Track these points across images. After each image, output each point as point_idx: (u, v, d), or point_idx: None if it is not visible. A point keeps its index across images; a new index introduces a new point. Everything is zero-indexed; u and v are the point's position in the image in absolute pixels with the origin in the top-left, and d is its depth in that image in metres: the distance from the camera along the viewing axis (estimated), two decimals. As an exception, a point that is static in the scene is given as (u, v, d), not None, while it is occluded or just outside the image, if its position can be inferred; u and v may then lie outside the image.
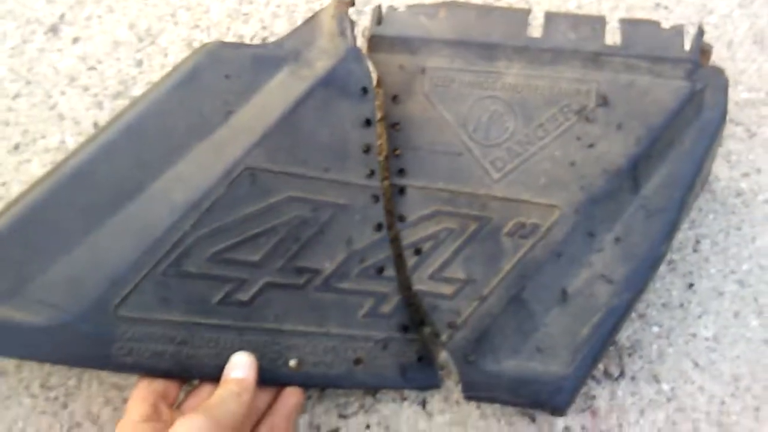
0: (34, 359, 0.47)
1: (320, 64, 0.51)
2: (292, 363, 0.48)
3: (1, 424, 0.51)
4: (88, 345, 0.46)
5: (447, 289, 0.50)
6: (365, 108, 0.51)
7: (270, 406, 0.48)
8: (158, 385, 0.46)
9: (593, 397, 0.52)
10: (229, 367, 0.46)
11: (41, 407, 0.51)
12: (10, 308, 0.45)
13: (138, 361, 0.46)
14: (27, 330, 0.45)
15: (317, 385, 0.50)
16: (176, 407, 0.47)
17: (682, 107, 0.52)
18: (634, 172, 0.51)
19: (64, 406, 0.51)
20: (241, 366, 0.46)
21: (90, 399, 0.51)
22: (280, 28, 0.59)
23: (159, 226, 0.47)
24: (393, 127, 0.53)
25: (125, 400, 0.51)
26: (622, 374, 0.53)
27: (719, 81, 0.52)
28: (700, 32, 0.53)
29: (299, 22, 0.60)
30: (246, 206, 0.48)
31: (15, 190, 0.54)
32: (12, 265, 0.45)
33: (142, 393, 0.45)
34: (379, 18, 0.55)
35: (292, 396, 0.49)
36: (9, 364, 0.51)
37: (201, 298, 0.47)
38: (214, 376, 0.46)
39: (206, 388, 0.47)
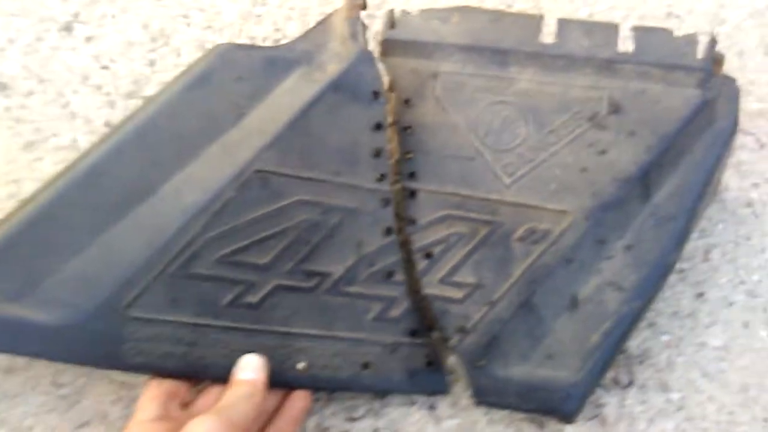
0: (45, 358, 0.47)
1: (332, 67, 0.51)
2: (301, 366, 0.48)
3: (11, 422, 0.50)
4: (98, 344, 0.46)
5: (457, 294, 0.50)
6: (376, 112, 0.51)
7: (277, 409, 0.48)
8: (168, 385, 0.46)
9: (602, 405, 0.52)
10: (238, 368, 0.46)
11: (50, 405, 0.51)
12: (21, 307, 0.45)
13: (148, 362, 0.46)
14: (38, 329, 0.45)
15: (325, 388, 0.50)
16: (186, 407, 0.47)
17: (694, 116, 0.52)
18: (645, 180, 0.51)
19: (74, 404, 0.51)
20: (251, 368, 0.46)
21: (99, 397, 0.51)
22: (292, 30, 0.60)
23: (170, 228, 0.47)
24: (405, 130, 0.53)
25: (135, 399, 0.51)
26: (631, 383, 0.52)
27: (731, 90, 0.53)
28: (713, 41, 0.53)
29: (312, 24, 0.59)
30: (256, 209, 0.48)
31: (27, 187, 0.54)
32: (24, 264, 0.45)
33: (152, 392, 0.45)
34: (392, 22, 0.55)
35: (299, 400, 0.49)
36: (18, 361, 0.51)
37: (211, 299, 0.47)
38: (222, 377, 0.46)
39: (215, 389, 0.47)
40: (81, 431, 0.51)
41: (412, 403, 0.52)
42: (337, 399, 0.52)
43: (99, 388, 0.51)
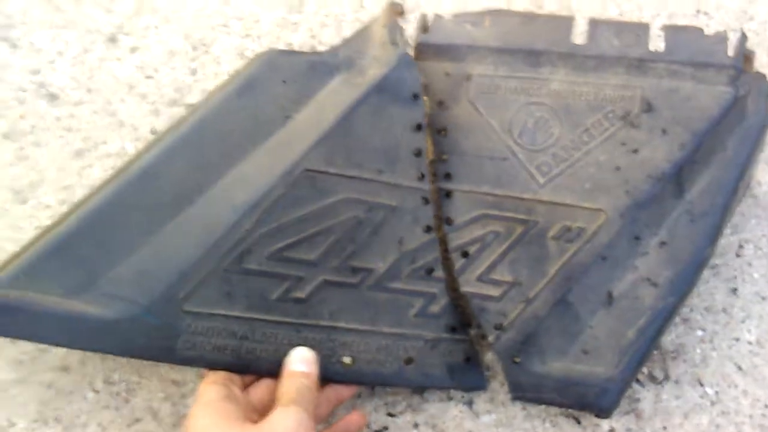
0: (104, 351, 0.49)
1: (373, 71, 0.52)
2: (346, 360, 0.50)
3: (66, 418, 0.53)
4: (154, 338, 0.47)
5: (494, 291, 0.51)
6: (416, 113, 0.52)
7: None
8: (226, 372, 0.48)
9: (638, 400, 0.53)
10: (292, 360, 0.47)
11: (104, 402, 0.53)
12: (82, 302, 0.47)
13: (201, 355, 0.48)
14: (97, 322, 0.47)
15: (369, 382, 0.52)
16: (245, 391, 0.48)
17: (726, 113, 0.52)
18: (678, 177, 0.51)
19: (126, 401, 0.53)
20: (305, 360, 0.47)
21: (150, 394, 0.53)
22: (328, 37, 0.61)
23: (221, 225, 0.49)
24: (439, 132, 0.54)
25: (184, 396, 0.53)
26: (666, 377, 0.53)
27: (762, 87, 0.53)
28: (743, 38, 0.54)
29: (346, 31, 0.61)
30: (304, 207, 0.50)
31: (78, 194, 0.57)
32: (83, 261, 0.47)
33: (213, 377, 0.47)
34: (425, 26, 0.57)
35: (355, 422, 0.50)
36: (73, 359, 0.54)
37: (261, 294, 0.49)
38: (271, 371, 0.48)
39: (266, 381, 0.49)
40: (133, 428, 0.53)
41: (450, 399, 0.53)
42: (377, 394, 0.53)
43: (149, 386, 0.54)
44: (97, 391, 0.53)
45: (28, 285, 0.46)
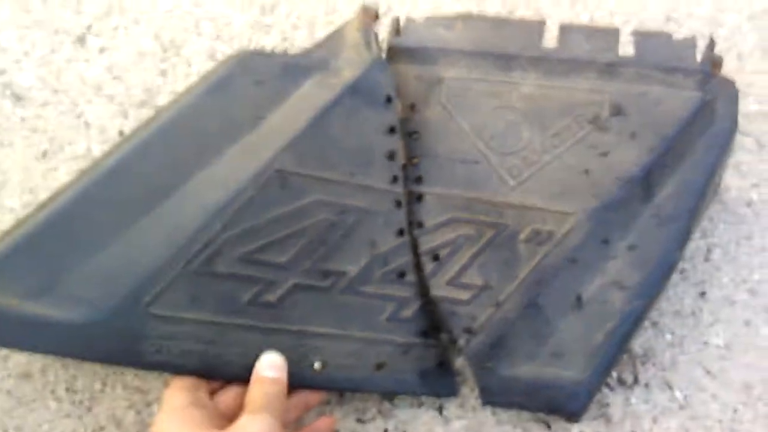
0: (67, 356, 0.48)
1: (347, 73, 0.52)
2: (317, 365, 0.49)
3: (27, 427, 0.52)
4: (119, 342, 0.46)
5: (464, 295, 0.51)
6: (389, 116, 0.52)
7: None
8: (192, 377, 0.47)
9: (607, 405, 0.53)
10: (261, 366, 0.47)
11: (66, 410, 0.52)
12: (43, 304, 0.46)
13: (168, 360, 0.47)
14: (60, 326, 0.46)
15: (340, 388, 0.51)
16: (212, 397, 0.47)
17: (694, 117, 0.53)
18: (647, 181, 0.52)
19: (89, 409, 0.52)
20: (274, 366, 0.47)
21: (114, 402, 0.52)
22: (300, 39, 0.61)
23: (191, 226, 0.48)
24: (411, 135, 0.54)
25: (148, 404, 0.52)
26: (635, 381, 0.53)
27: (730, 92, 0.54)
28: (712, 44, 0.54)
29: (319, 33, 0.61)
30: (275, 208, 0.49)
31: (42, 196, 0.56)
32: (46, 261, 0.46)
33: (179, 383, 0.46)
34: (397, 29, 0.57)
35: (325, 427, 0.50)
36: (34, 367, 0.53)
37: (230, 297, 0.48)
38: (240, 376, 0.47)
39: (234, 386, 0.48)
40: (97, 434, 0.52)
41: (421, 405, 0.53)
42: (346, 401, 0.53)
43: (113, 393, 0.52)
44: (59, 400, 0.52)
45: None
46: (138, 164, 0.49)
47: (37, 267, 0.46)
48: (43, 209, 0.48)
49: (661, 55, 0.54)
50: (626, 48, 0.54)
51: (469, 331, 0.50)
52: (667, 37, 0.55)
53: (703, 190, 0.52)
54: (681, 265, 0.55)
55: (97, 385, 0.52)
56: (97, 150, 0.57)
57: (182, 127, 0.50)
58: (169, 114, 0.50)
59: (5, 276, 0.46)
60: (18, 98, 0.58)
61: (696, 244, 0.57)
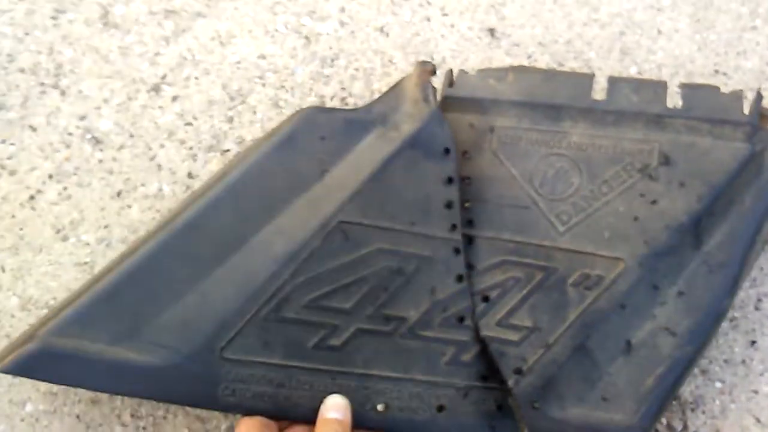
0: (149, 398, 0.51)
1: (406, 127, 0.55)
2: (380, 407, 0.50)
3: (94, 449, 0.54)
4: (196, 385, 0.49)
5: (513, 336, 0.52)
6: (447, 167, 0.54)
7: None
8: (261, 417, 0.49)
9: (657, 450, 0.53)
10: (326, 407, 0.48)
11: (131, 434, 0.55)
12: (126, 349, 0.49)
13: (241, 402, 0.49)
14: (142, 369, 0.49)
15: (402, 430, 0.52)
16: None
17: (742, 168, 0.54)
18: (696, 229, 0.53)
19: (152, 434, 0.55)
20: (338, 408, 0.48)
21: (176, 429, 0.55)
22: (357, 90, 0.64)
23: (261, 275, 0.51)
24: (463, 181, 0.56)
25: (208, 431, 0.54)
26: (685, 428, 0.53)
27: (778, 144, 0.55)
28: (759, 96, 0.55)
29: (375, 84, 0.64)
30: (339, 257, 0.52)
31: (116, 232, 0.59)
32: (129, 310, 0.50)
33: (249, 423, 0.48)
34: (450, 81, 0.59)
35: None
36: (102, 394, 0.55)
37: (298, 342, 0.51)
38: (307, 417, 0.49)
39: (300, 428, 0.50)
40: (158, 460, 0.54)
41: (470, 443, 0.54)
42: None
43: (174, 421, 0.55)
44: (124, 425, 0.55)
45: (76, 333, 0.49)
46: (211, 218, 0.52)
47: (122, 315, 0.49)
48: (125, 260, 0.51)
49: (709, 107, 0.55)
50: (674, 100, 0.56)
51: (518, 371, 0.51)
52: (715, 89, 0.56)
53: (752, 239, 0.53)
54: (731, 313, 0.56)
55: (160, 412, 0.55)
56: (168, 190, 0.61)
57: (251, 182, 0.53)
58: (239, 169, 0.53)
59: (92, 323, 0.49)
60: (97, 142, 0.63)
61: (746, 293, 0.57)
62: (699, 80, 0.64)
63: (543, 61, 0.65)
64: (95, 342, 0.49)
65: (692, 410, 0.54)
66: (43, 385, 0.55)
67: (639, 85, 0.57)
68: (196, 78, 0.65)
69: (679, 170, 0.54)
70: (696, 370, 0.54)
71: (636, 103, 0.56)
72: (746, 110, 0.55)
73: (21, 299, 0.58)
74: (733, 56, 0.66)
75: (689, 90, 0.56)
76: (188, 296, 0.50)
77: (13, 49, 0.65)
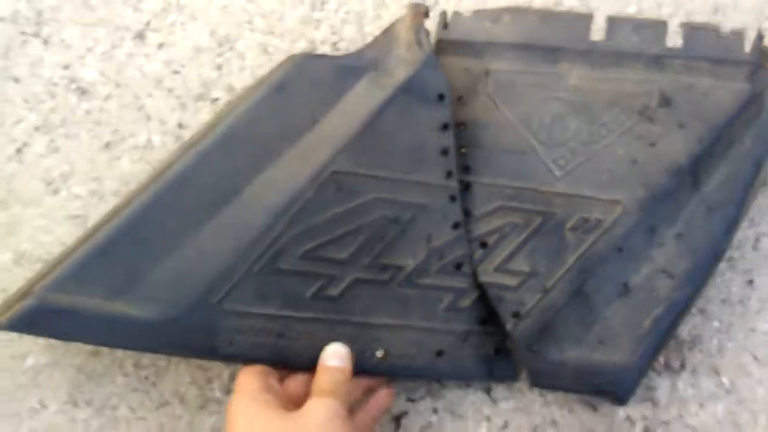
0: (146, 351, 0.51)
1: (399, 72, 0.53)
2: (379, 354, 0.51)
3: (97, 400, 0.55)
4: (194, 337, 0.49)
5: (511, 281, 0.52)
6: (442, 113, 0.53)
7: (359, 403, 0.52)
8: (263, 366, 0.49)
9: (654, 389, 0.54)
10: (326, 355, 0.49)
11: (133, 385, 0.55)
12: (123, 304, 0.48)
13: (240, 352, 0.50)
14: (139, 324, 0.48)
15: (402, 375, 0.53)
16: (281, 383, 0.50)
17: (743, 108, 0.53)
18: (694, 170, 0.52)
19: (154, 384, 0.55)
20: (339, 356, 0.49)
21: (178, 378, 0.55)
22: (349, 34, 0.63)
23: (255, 227, 0.50)
24: (458, 126, 0.55)
25: (209, 380, 0.55)
26: (682, 367, 0.54)
27: (779, 83, 0.54)
28: (760, 36, 0.54)
29: (367, 27, 0.63)
30: (334, 207, 0.51)
31: (107, 185, 0.59)
32: (124, 265, 0.49)
33: (252, 369, 0.49)
34: (444, 23, 0.58)
35: (384, 399, 0.52)
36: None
37: (295, 293, 0.51)
38: (307, 366, 0.49)
39: (301, 375, 0.50)
40: (161, 410, 0.55)
41: (469, 386, 0.55)
42: (397, 381, 0.55)
43: (177, 370, 0.55)
44: (126, 375, 0.55)
45: (72, 288, 0.48)
46: (203, 170, 0.51)
47: (116, 270, 0.49)
48: (117, 215, 0.50)
49: (710, 47, 0.54)
50: (674, 40, 0.55)
51: (516, 315, 0.51)
52: (716, 28, 0.55)
53: (751, 180, 0.52)
54: (729, 253, 0.56)
55: (162, 362, 0.55)
56: (158, 141, 0.60)
57: (242, 133, 0.52)
58: (228, 120, 0.52)
59: (88, 278, 0.49)
60: (83, 92, 0.61)
61: (744, 233, 0.57)
62: (698, 19, 0.63)
63: (540, 1, 0.63)
64: (92, 297, 0.48)
65: (690, 349, 0.54)
66: (43, 339, 0.54)
67: (638, 25, 0.56)
68: (182, 23, 0.63)
69: (678, 112, 0.53)
70: (694, 310, 0.55)
71: (635, 44, 0.55)
72: (747, 49, 0.54)
73: (15, 254, 0.57)
74: (732, -7, 0.64)
75: (690, 29, 0.55)
76: (183, 249, 0.50)
77: (-9, -3, 0.62)
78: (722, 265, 0.55)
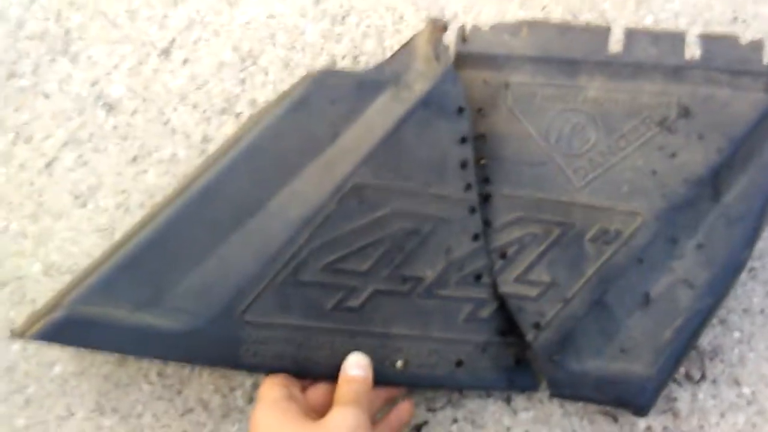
0: (173, 360, 0.53)
1: (418, 86, 0.54)
2: (399, 364, 0.52)
3: (122, 408, 0.56)
4: (218, 347, 0.50)
5: (532, 292, 0.52)
6: (461, 126, 0.54)
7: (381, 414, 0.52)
8: (286, 375, 0.50)
9: (675, 399, 0.54)
10: (348, 365, 0.50)
11: (158, 393, 0.56)
12: (150, 315, 0.50)
13: (262, 362, 0.51)
14: (165, 334, 0.50)
15: (422, 385, 0.54)
16: (303, 392, 0.51)
17: (763, 119, 0.53)
18: (715, 181, 0.52)
19: (179, 392, 0.56)
20: (360, 365, 0.50)
21: (201, 386, 0.56)
22: (369, 47, 0.64)
23: (277, 240, 0.51)
24: (478, 138, 0.56)
25: (232, 389, 0.56)
26: (703, 377, 0.54)
27: (799, 93, 0.54)
28: (779, 46, 0.55)
29: (387, 42, 0.64)
30: (355, 220, 0.52)
31: (134, 197, 0.60)
32: (150, 276, 0.50)
33: (275, 379, 0.50)
34: (463, 36, 0.58)
35: (405, 411, 0.52)
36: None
37: (316, 304, 0.51)
38: (328, 375, 0.50)
39: (323, 384, 0.51)
40: (186, 417, 0.56)
41: (489, 396, 0.55)
42: (418, 390, 0.55)
43: (200, 378, 0.56)
44: (151, 383, 0.56)
45: (100, 300, 0.50)
46: (227, 184, 0.52)
47: (143, 282, 0.50)
48: (144, 228, 0.52)
49: (728, 58, 0.54)
50: (693, 51, 0.55)
51: (537, 326, 0.52)
52: (734, 39, 0.55)
53: (772, 191, 0.52)
54: (750, 264, 0.56)
55: (186, 371, 0.56)
56: (183, 154, 0.61)
57: (265, 147, 0.53)
58: (252, 134, 0.53)
59: (115, 290, 0.50)
60: (110, 108, 0.62)
61: (765, 243, 0.57)
62: (717, 28, 0.63)
63: (557, 13, 0.64)
64: (119, 308, 0.50)
65: (710, 359, 0.54)
66: (71, 348, 0.56)
67: (656, 36, 0.56)
68: (206, 40, 0.64)
69: (698, 122, 0.53)
70: (715, 320, 0.55)
71: (653, 55, 0.55)
72: (766, 60, 0.54)
73: (44, 265, 0.59)
74: (751, 2, 0.64)
75: (708, 40, 0.55)
76: (207, 262, 0.51)
77: (21, 17, 0.64)
78: (743, 275, 0.55)
